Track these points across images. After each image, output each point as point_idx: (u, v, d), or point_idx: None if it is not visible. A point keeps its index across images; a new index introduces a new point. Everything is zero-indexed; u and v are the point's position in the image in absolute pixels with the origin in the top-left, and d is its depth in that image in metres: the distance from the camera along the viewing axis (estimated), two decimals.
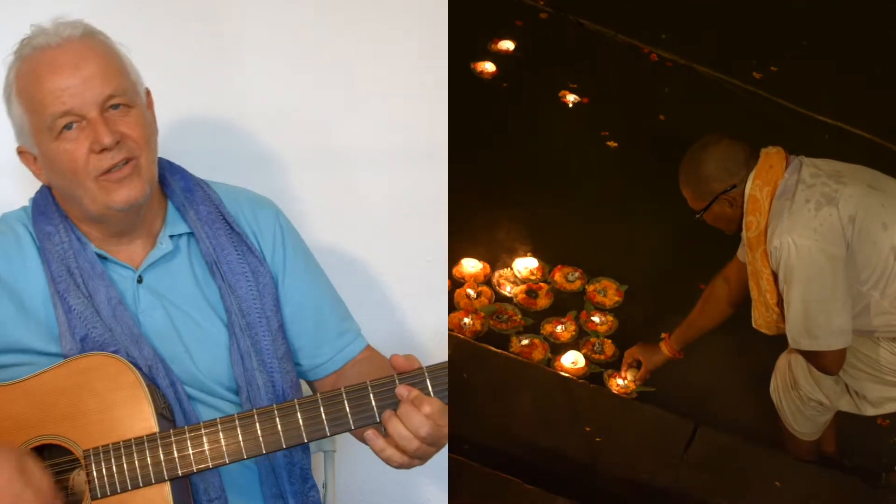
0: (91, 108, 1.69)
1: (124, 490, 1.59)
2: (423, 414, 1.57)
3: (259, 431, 1.62)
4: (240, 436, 1.62)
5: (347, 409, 1.61)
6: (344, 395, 1.62)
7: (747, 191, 2.23)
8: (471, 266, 2.72)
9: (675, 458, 2.39)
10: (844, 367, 2.26)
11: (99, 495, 1.59)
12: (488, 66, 3.15)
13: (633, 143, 2.95)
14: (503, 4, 3.23)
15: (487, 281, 2.73)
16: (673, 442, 2.43)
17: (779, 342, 2.33)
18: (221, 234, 1.83)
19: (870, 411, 2.30)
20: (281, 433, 1.62)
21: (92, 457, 1.60)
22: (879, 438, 2.48)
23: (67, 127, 1.69)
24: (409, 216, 2.42)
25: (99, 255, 1.76)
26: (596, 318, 2.63)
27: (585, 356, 2.60)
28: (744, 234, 2.26)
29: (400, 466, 1.61)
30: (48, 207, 1.78)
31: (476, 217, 2.77)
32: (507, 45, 3.20)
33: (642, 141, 2.96)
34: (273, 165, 2.35)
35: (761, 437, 2.47)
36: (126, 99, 1.73)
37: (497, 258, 2.79)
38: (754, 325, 2.31)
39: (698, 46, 3.15)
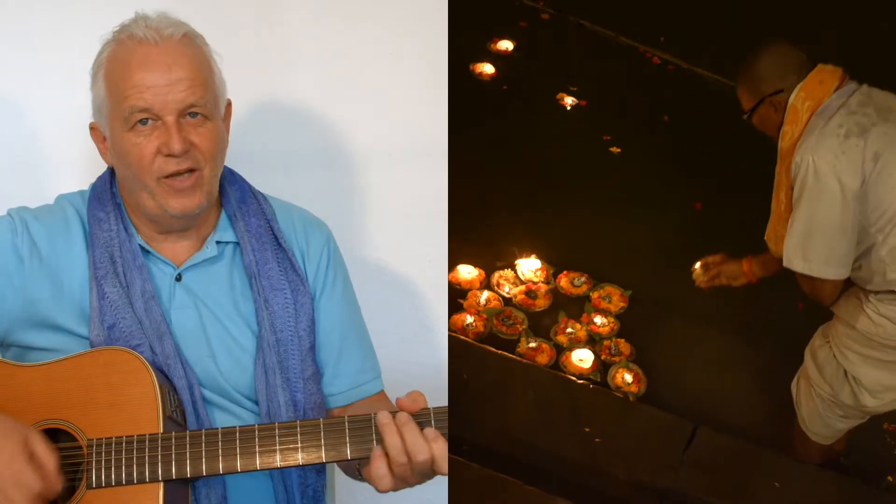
0: (170, 112, 1.72)
1: (118, 484, 1.61)
2: (425, 438, 1.58)
3: (257, 448, 1.63)
4: (237, 449, 1.63)
5: (347, 437, 1.63)
6: (346, 423, 1.64)
7: (790, 100, 2.22)
8: (466, 272, 2.72)
9: (675, 458, 2.39)
10: (840, 348, 2.23)
11: (94, 485, 1.62)
12: (487, 68, 3.15)
13: (634, 145, 2.95)
14: (504, 5, 3.23)
15: (486, 285, 2.73)
16: (672, 443, 2.43)
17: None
18: (267, 248, 1.85)
19: (869, 401, 2.27)
20: (278, 453, 1.63)
21: (94, 447, 1.62)
22: (880, 439, 2.47)
23: (142, 122, 1.72)
24: (409, 216, 2.43)
25: (142, 248, 1.79)
26: (598, 320, 2.63)
27: (606, 362, 2.58)
28: (779, 142, 2.24)
29: (385, 491, 1.61)
30: (104, 194, 1.81)
31: (476, 217, 2.77)
32: (507, 45, 3.21)
33: (643, 143, 2.96)
34: (273, 165, 2.36)
35: (761, 438, 2.47)
36: (206, 110, 1.75)
37: (497, 258, 2.79)
38: (765, 238, 2.29)
39: (699, 49, 3.15)
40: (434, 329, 2.40)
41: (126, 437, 1.63)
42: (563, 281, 2.73)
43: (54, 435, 1.65)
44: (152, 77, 1.72)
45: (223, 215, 1.86)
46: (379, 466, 1.59)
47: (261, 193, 1.92)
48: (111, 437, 1.63)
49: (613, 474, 2.39)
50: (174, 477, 1.62)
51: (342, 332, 1.89)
